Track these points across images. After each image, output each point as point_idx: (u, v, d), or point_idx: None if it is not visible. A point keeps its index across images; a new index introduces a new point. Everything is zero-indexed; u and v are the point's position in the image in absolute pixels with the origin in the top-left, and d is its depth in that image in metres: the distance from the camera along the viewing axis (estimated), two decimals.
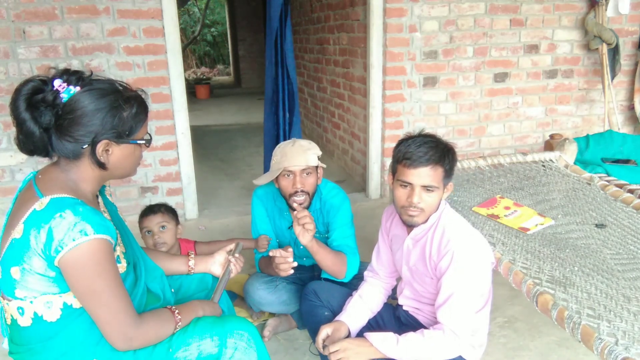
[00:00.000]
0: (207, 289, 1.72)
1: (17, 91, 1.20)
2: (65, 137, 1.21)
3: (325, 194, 2.15)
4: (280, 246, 2.24)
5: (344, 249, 2.06)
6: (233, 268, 1.73)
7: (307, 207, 2.04)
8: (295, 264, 1.94)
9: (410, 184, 1.56)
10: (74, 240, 1.15)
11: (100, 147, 1.24)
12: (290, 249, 1.95)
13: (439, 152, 1.55)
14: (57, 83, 1.20)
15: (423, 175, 1.54)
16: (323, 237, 2.16)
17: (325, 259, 1.97)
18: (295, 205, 1.97)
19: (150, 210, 2.16)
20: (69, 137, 1.21)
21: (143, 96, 1.34)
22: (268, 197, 2.21)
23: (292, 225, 2.07)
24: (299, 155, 1.96)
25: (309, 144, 2.04)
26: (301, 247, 2.11)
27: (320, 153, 2.05)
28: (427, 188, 1.55)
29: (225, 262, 1.74)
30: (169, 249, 2.16)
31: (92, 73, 1.27)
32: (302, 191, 1.98)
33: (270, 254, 1.95)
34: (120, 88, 1.29)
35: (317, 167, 2.04)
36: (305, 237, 1.88)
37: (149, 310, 1.39)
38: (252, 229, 2.27)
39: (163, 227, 2.15)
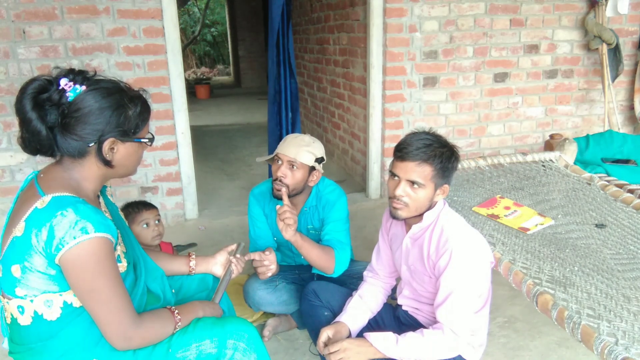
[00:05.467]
0: (207, 289, 1.72)
1: (22, 90, 1.20)
2: (71, 136, 1.22)
3: (322, 190, 2.14)
4: (280, 243, 2.23)
5: (333, 243, 2.04)
6: (234, 268, 1.73)
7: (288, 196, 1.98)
8: (274, 268, 1.93)
9: (397, 176, 1.58)
10: (74, 238, 1.16)
11: (106, 145, 1.26)
12: (268, 253, 1.95)
13: (431, 151, 1.54)
14: (64, 82, 1.21)
15: (408, 169, 1.54)
16: (317, 234, 2.15)
17: (310, 253, 1.96)
18: (278, 193, 1.95)
19: (142, 205, 2.20)
20: (75, 136, 1.22)
21: (145, 96, 1.35)
22: (264, 195, 2.21)
23: None
24: (292, 147, 1.96)
25: (313, 142, 2.01)
26: None
27: (319, 155, 2.01)
28: (412, 183, 1.56)
29: (227, 263, 1.74)
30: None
31: (95, 73, 1.28)
32: (280, 181, 1.97)
33: (246, 258, 1.91)
34: (125, 88, 1.30)
35: (311, 167, 2.00)
36: (288, 232, 1.87)
37: (148, 310, 1.39)
38: (249, 229, 2.27)
39: (158, 220, 2.22)
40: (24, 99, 1.19)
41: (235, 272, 1.73)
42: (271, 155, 2.04)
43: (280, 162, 1.98)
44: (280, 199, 1.95)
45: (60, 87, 1.21)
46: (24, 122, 1.21)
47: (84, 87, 1.22)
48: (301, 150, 1.95)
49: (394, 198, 1.59)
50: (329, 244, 2.04)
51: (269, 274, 1.95)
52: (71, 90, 1.21)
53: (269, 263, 1.94)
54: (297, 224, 1.92)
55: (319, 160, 2.02)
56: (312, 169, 2.01)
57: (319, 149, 2.02)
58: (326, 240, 2.06)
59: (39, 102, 1.19)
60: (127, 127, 1.28)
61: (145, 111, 1.33)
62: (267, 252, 1.95)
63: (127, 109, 1.27)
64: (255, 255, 1.93)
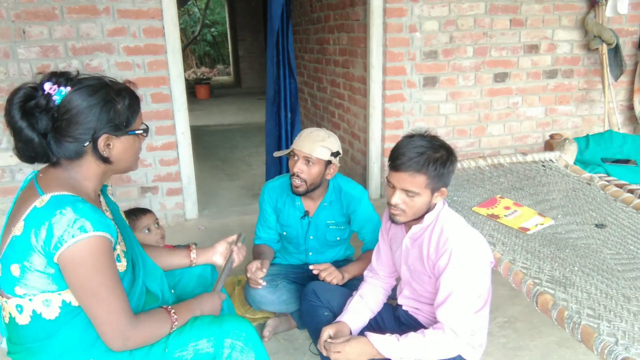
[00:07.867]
0: (206, 284, 1.72)
1: (9, 101, 1.21)
2: (65, 138, 1.22)
3: (343, 186, 2.19)
4: (290, 239, 2.27)
5: (374, 245, 2.08)
6: (235, 257, 1.73)
7: (304, 193, 2.07)
8: (264, 283, 2.02)
9: (393, 184, 1.58)
10: (73, 236, 1.16)
11: (101, 142, 1.26)
12: (265, 270, 2.02)
13: (424, 160, 1.51)
14: (48, 86, 1.21)
15: (402, 179, 1.54)
16: (340, 229, 2.21)
17: (360, 272, 2.08)
18: (297, 190, 2.05)
19: (140, 212, 2.20)
20: (68, 138, 1.22)
21: (131, 87, 1.35)
22: (277, 189, 2.24)
23: (304, 215, 2.18)
24: (307, 142, 2.00)
25: (328, 137, 2.04)
26: (311, 237, 2.22)
27: (335, 149, 2.04)
28: (407, 192, 1.56)
29: (227, 252, 1.75)
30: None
31: (78, 72, 1.28)
32: (298, 176, 2.02)
33: (247, 272, 2.02)
34: (110, 82, 1.30)
35: (327, 161, 2.04)
36: (340, 282, 2.03)
37: (145, 311, 1.38)
38: (259, 215, 2.32)
39: (157, 224, 2.23)
40: (12, 110, 1.20)
41: (236, 261, 1.74)
42: (288, 150, 2.08)
43: (296, 158, 2.03)
44: (299, 195, 2.06)
45: (46, 92, 1.21)
46: (15, 132, 1.21)
47: (68, 88, 1.22)
48: (316, 145, 1.99)
49: (391, 205, 1.60)
50: (370, 246, 2.14)
51: (259, 287, 2.04)
52: (56, 93, 1.21)
53: (261, 280, 2.01)
54: (338, 274, 2.06)
55: (335, 154, 2.05)
56: (329, 162, 2.06)
57: (334, 143, 2.05)
58: (367, 242, 2.20)
59: (27, 110, 1.20)
60: (119, 121, 1.28)
61: (134, 103, 1.32)
62: (264, 270, 2.01)
63: (116, 103, 1.27)
64: (253, 267, 2.00)
